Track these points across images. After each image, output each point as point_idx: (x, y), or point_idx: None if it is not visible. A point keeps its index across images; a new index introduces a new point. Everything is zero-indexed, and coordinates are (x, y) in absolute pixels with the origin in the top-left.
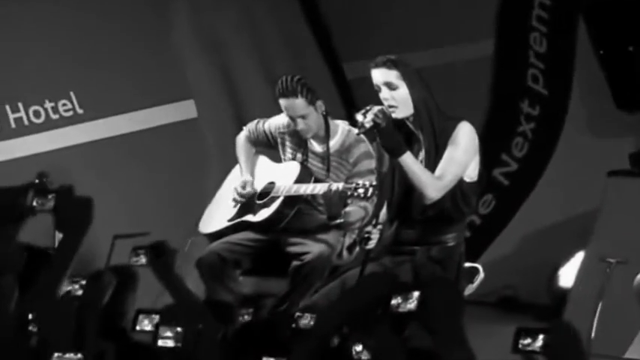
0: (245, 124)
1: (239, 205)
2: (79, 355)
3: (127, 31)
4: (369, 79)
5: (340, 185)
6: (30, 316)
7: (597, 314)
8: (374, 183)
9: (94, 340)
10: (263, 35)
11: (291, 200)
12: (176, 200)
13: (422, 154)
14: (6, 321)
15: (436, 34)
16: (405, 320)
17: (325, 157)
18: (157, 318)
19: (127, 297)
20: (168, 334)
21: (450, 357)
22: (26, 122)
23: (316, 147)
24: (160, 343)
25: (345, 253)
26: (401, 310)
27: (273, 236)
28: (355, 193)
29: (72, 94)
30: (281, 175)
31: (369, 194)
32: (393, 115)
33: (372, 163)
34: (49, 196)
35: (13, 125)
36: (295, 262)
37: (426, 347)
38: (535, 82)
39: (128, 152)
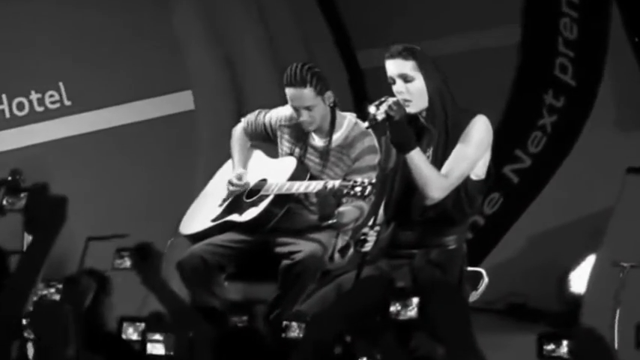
0: (244, 117)
1: (225, 205)
2: None
3: (122, 18)
4: (384, 68)
5: (337, 183)
6: (24, 322)
7: (616, 324)
8: (373, 181)
9: (81, 348)
10: (272, 22)
11: (281, 199)
12: (160, 199)
13: (431, 149)
14: None
15: (458, 19)
16: (409, 329)
17: (325, 153)
18: (142, 326)
19: (105, 302)
20: (157, 336)
21: None
22: (8, 115)
23: (317, 141)
24: (149, 349)
25: (336, 256)
26: (401, 317)
27: (259, 237)
28: (352, 192)
29: (61, 84)
30: (275, 172)
31: (366, 193)
32: (407, 110)
33: (374, 159)
34: (21, 195)
35: None
36: (285, 261)
37: (435, 358)
38: (563, 71)
39: (112, 147)
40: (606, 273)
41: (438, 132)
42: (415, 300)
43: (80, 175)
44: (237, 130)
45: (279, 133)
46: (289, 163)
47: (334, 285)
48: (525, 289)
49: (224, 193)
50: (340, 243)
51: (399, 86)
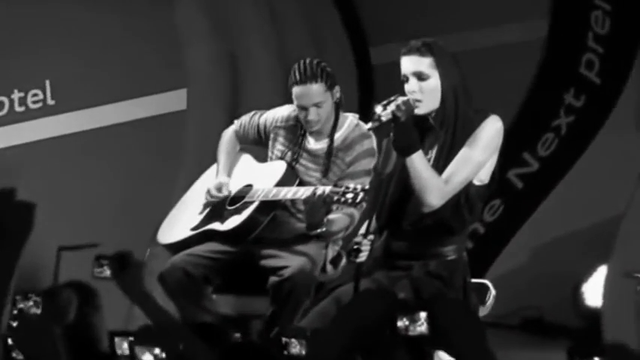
0: (237, 118)
1: (205, 212)
2: None
3: (113, 14)
4: (395, 64)
5: (326, 189)
6: (10, 342)
7: None
8: (365, 187)
9: None
10: (281, 16)
11: (266, 206)
12: (139, 206)
13: (434, 150)
14: None
15: (480, 14)
16: (422, 345)
17: (319, 156)
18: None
19: (93, 316)
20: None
21: None
22: None
23: (312, 144)
24: None
25: (329, 267)
26: (411, 333)
27: (243, 248)
28: (343, 199)
29: (47, 83)
30: (262, 177)
31: (357, 200)
32: (416, 111)
33: (370, 163)
34: None
35: None
36: (273, 278)
37: None
38: (589, 68)
39: (89, 150)
40: (621, 284)
41: (445, 132)
42: (423, 314)
43: (54, 179)
44: (228, 133)
45: (272, 136)
46: (278, 168)
47: (332, 299)
48: (535, 302)
49: (204, 200)
50: (331, 253)
51: (411, 85)
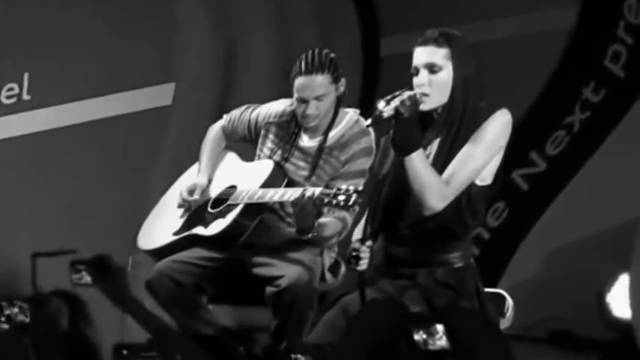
0: (227, 113)
1: (186, 215)
2: None
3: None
4: (406, 55)
5: (317, 191)
6: None
7: None
8: (359, 188)
9: None
10: (289, 5)
11: (252, 209)
12: (117, 207)
13: (434, 147)
14: None
15: (503, 1)
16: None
17: (311, 154)
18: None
19: (86, 330)
20: None
21: None
22: None
23: (305, 141)
24: None
25: (328, 275)
26: (431, 347)
27: (232, 254)
28: (334, 201)
29: (25, 76)
30: (247, 177)
31: (350, 202)
32: (422, 106)
33: (366, 163)
34: None
35: None
36: (270, 289)
37: None
38: (614, 60)
39: (65, 148)
40: None
41: (448, 128)
42: (440, 327)
43: (28, 179)
44: (214, 129)
45: (262, 132)
46: (264, 168)
47: (339, 309)
48: (557, 312)
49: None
50: (328, 260)
51: (421, 77)
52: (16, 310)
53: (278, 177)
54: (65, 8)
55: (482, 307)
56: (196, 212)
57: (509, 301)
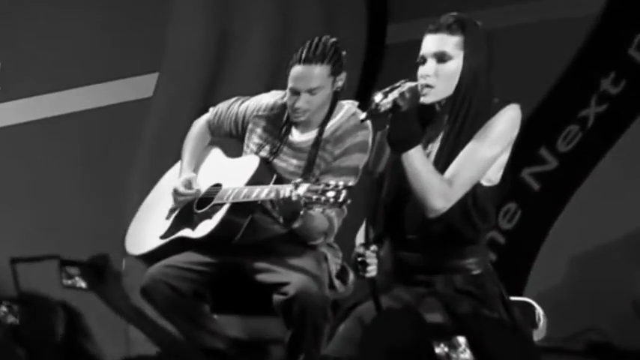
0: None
1: (173, 217)
2: None
3: None
4: (413, 44)
5: (304, 188)
6: None
7: None
8: (349, 184)
9: None
10: None
11: (241, 208)
12: (97, 207)
13: (436, 144)
14: None
15: None
16: None
17: (304, 150)
18: None
19: (85, 345)
20: None
21: None
22: None
23: (296, 136)
24: None
25: (337, 283)
26: None
27: (227, 259)
28: (323, 198)
29: None
30: (232, 175)
31: (340, 199)
32: (423, 99)
33: (361, 159)
34: None
35: None
36: (278, 297)
37: None
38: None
39: (38, 142)
40: None
41: (452, 123)
42: (462, 340)
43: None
44: (199, 124)
45: (250, 126)
46: (250, 164)
47: (354, 320)
48: (591, 323)
49: (170, 203)
50: (334, 267)
51: (428, 67)
52: (5, 309)
53: (265, 174)
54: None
55: (510, 316)
56: (182, 213)
57: (540, 311)
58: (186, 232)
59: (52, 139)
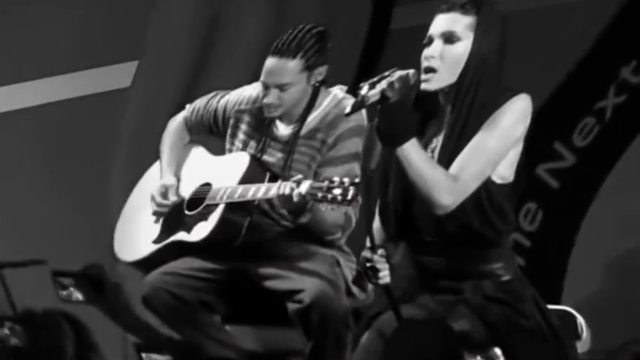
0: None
1: (162, 220)
2: None
3: None
4: (419, 28)
5: (307, 185)
6: None
7: None
8: (356, 180)
9: None
10: None
11: (238, 208)
12: (75, 208)
13: (439, 139)
14: None
15: None
16: None
17: (289, 143)
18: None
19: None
20: None
21: None
22: None
23: (281, 130)
24: None
25: (355, 289)
26: None
27: (232, 265)
28: (329, 195)
29: None
30: (221, 173)
31: (348, 196)
32: (425, 85)
33: (358, 144)
34: None
35: None
36: (293, 306)
37: None
38: None
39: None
40: None
41: (457, 114)
42: (498, 351)
43: None
44: (175, 121)
45: (232, 122)
46: (240, 162)
47: (375, 331)
48: (635, 333)
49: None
50: (349, 272)
51: (433, 48)
52: (6, 331)
53: (258, 171)
54: None
55: (548, 325)
56: (172, 216)
57: (581, 320)
58: (181, 236)
59: (14, 133)
